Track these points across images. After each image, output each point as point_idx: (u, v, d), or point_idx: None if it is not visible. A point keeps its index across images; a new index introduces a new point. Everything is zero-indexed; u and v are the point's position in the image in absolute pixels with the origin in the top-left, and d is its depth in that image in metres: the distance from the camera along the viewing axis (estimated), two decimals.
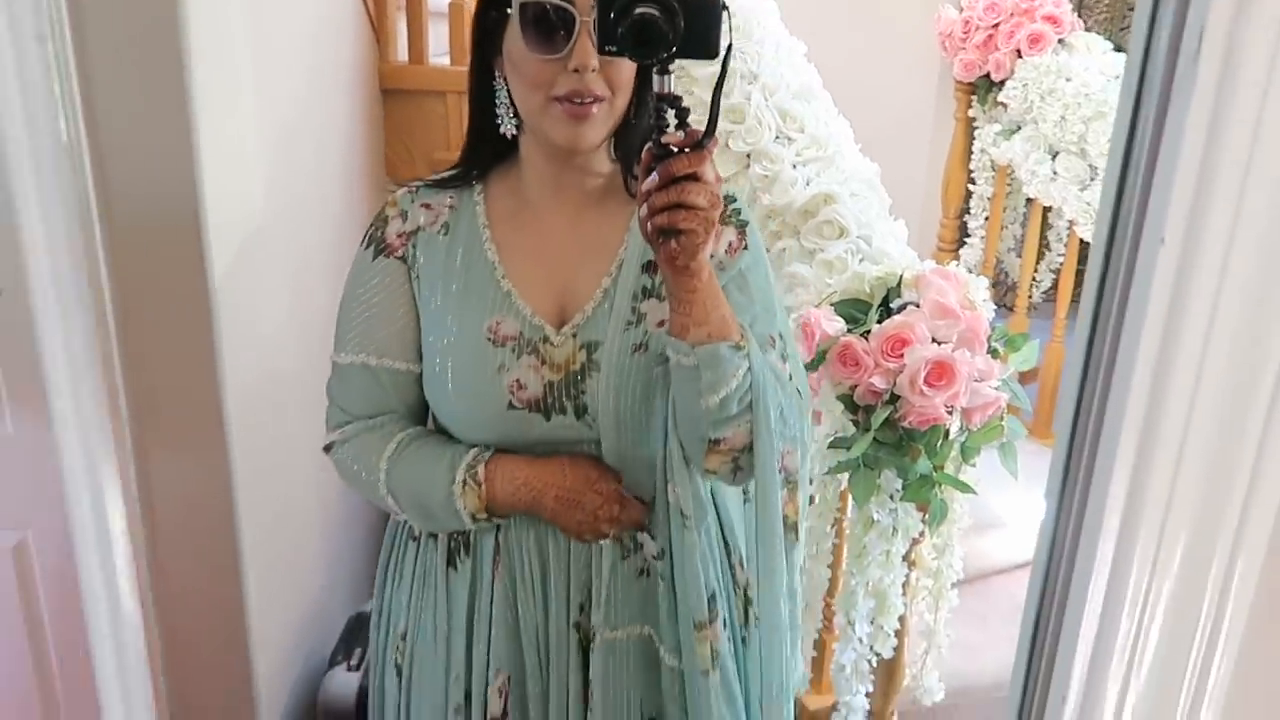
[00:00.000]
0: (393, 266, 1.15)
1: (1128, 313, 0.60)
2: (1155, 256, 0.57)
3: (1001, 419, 1.57)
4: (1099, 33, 2.68)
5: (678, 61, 0.88)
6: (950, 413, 1.49)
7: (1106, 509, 0.62)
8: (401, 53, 2.46)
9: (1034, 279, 2.85)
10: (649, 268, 1.12)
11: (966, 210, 2.93)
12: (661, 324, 1.09)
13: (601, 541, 1.14)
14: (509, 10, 1.03)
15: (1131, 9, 3.99)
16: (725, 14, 0.87)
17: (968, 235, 2.95)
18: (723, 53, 0.88)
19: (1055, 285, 2.85)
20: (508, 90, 1.08)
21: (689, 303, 0.98)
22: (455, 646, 1.19)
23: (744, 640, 1.18)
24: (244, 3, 1.61)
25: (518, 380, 1.11)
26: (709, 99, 0.91)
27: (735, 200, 1.15)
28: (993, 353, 1.57)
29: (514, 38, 1.03)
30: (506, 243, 1.14)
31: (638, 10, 0.86)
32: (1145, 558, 0.65)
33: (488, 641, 1.17)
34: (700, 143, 0.88)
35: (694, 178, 0.88)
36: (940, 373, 1.41)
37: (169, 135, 1.43)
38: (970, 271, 2.91)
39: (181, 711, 1.75)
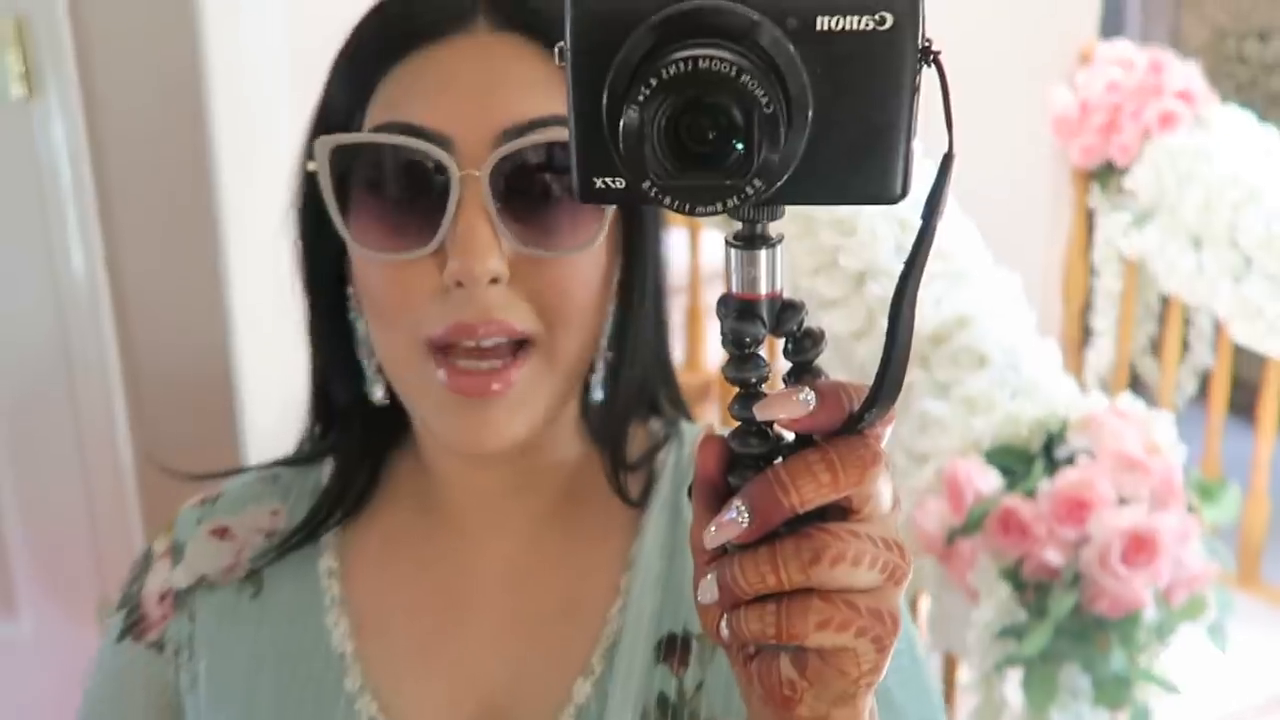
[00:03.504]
0: (140, 661, 0.60)
1: None
2: None
3: (1207, 591, 1.25)
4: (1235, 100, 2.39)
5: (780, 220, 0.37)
6: (1145, 588, 1.18)
7: None
8: None
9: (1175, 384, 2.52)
10: (670, 651, 0.56)
11: (1088, 308, 2.63)
12: None
13: None
14: (310, 163, 0.54)
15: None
16: (922, 71, 0.35)
17: (1091, 335, 2.64)
18: (922, 190, 0.36)
19: (1202, 390, 2.51)
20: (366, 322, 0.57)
21: None
22: None
23: None
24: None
25: None
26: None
27: None
28: (1187, 507, 1.26)
29: (337, 217, 0.53)
30: (373, 608, 0.58)
31: (679, 55, 0.32)
32: None
33: None
34: (861, 419, 0.36)
35: (845, 511, 0.37)
36: (1139, 546, 1.11)
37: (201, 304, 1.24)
38: (1101, 377, 2.60)
39: None
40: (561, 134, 0.49)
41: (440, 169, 0.49)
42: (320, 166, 0.51)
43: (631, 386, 0.58)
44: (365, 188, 0.51)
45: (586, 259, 0.52)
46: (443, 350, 0.51)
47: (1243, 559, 2.33)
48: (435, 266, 0.50)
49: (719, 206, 0.33)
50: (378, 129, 0.51)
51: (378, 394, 0.57)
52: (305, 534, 0.59)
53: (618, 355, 0.57)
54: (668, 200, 0.33)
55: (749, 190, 0.33)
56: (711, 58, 0.32)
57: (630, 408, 0.59)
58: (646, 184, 0.33)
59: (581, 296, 0.52)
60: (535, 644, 0.57)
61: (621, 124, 0.33)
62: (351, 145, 0.51)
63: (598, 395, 0.58)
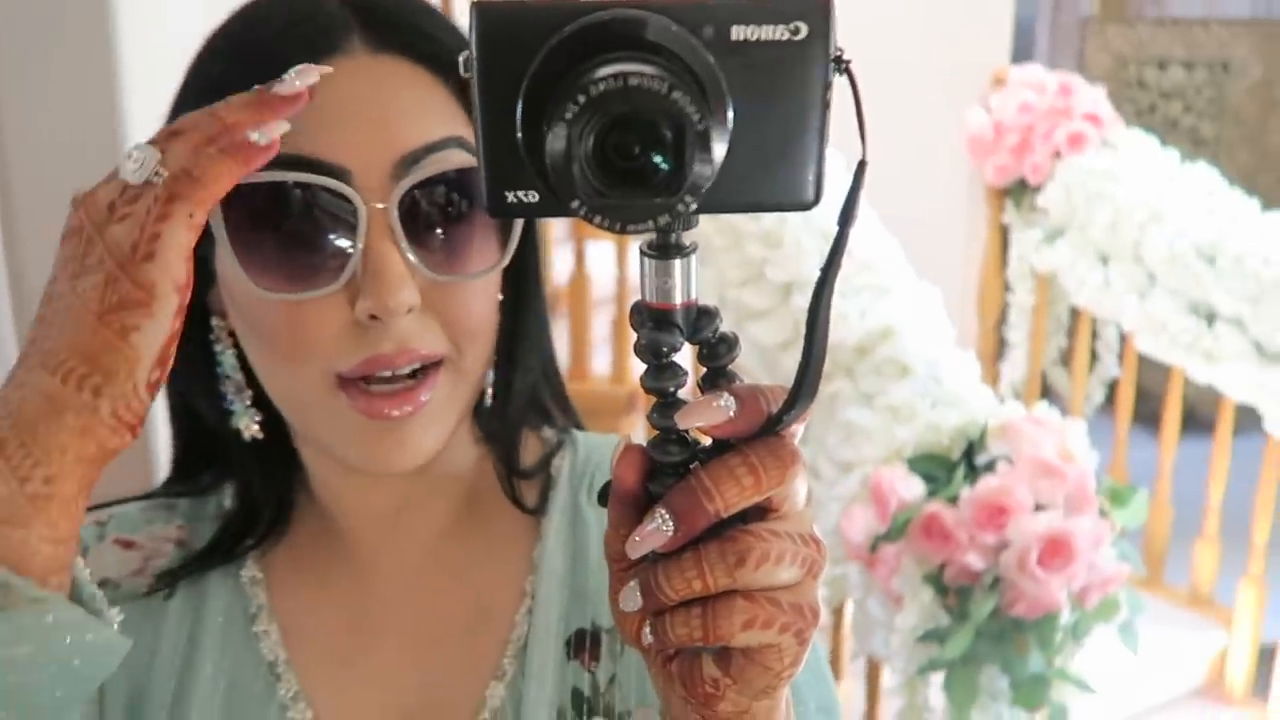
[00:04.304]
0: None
1: None
2: None
3: (1118, 592, 1.30)
4: None
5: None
6: (1061, 590, 1.22)
7: None
8: None
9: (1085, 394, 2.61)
10: (580, 647, 0.56)
11: (1003, 321, 2.71)
12: None
13: None
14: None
15: None
16: (834, 80, 0.35)
17: (1006, 348, 2.72)
18: (838, 189, 0.37)
19: (1110, 399, 2.61)
20: (235, 350, 0.55)
21: None
22: None
23: None
24: None
25: None
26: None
27: None
28: (1098, 511, 1.31)
29: (230, 256, 0.49)
30: (296, 621, 0.58)
31: (604, 72, 0.31)
32: None
33: None
34: (779, 420, 0.37)
35: (764, 510, 0.37)
36: (1056, 550, 1.15)
37: None
38: (1015, 388, 2.68)
39: None
40: (459, 158, 0.49)
41: (345, 203, 0.47)
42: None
43: (524, 394, 0.58)
44: (260, 225, 0.48)
45: (490, 275, 0.52)
46: (347, 381, 0.50)
47: (1148, 562, 2.43)
48: (344, 301, 0.48)
49: (651, 224, 0.32)
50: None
51: (251, 430, 0.56)
52: (224, 552, 0.58)
53: (510, 364, 0.57)
54: (598, 219, 0.32)
55: (680, 207, 0.32)
56: (641, 74, 0.30)
57: (522, 415, 0.59)
58: (576, 203, 0.32)
59: (487, 313, 0.53)
60: (446, 653, 0.57)
61: (548, 142, 0.31)
62: (244, 183, 0.46)
63: (489, 402, 0.58)
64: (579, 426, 0.64)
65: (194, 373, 0.56)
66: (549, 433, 0.63)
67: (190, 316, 0.52)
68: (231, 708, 0.55)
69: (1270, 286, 1.94)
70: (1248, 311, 1.96)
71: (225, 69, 0.51)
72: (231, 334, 0.54)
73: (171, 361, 0.44)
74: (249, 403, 0.55)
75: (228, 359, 0.55)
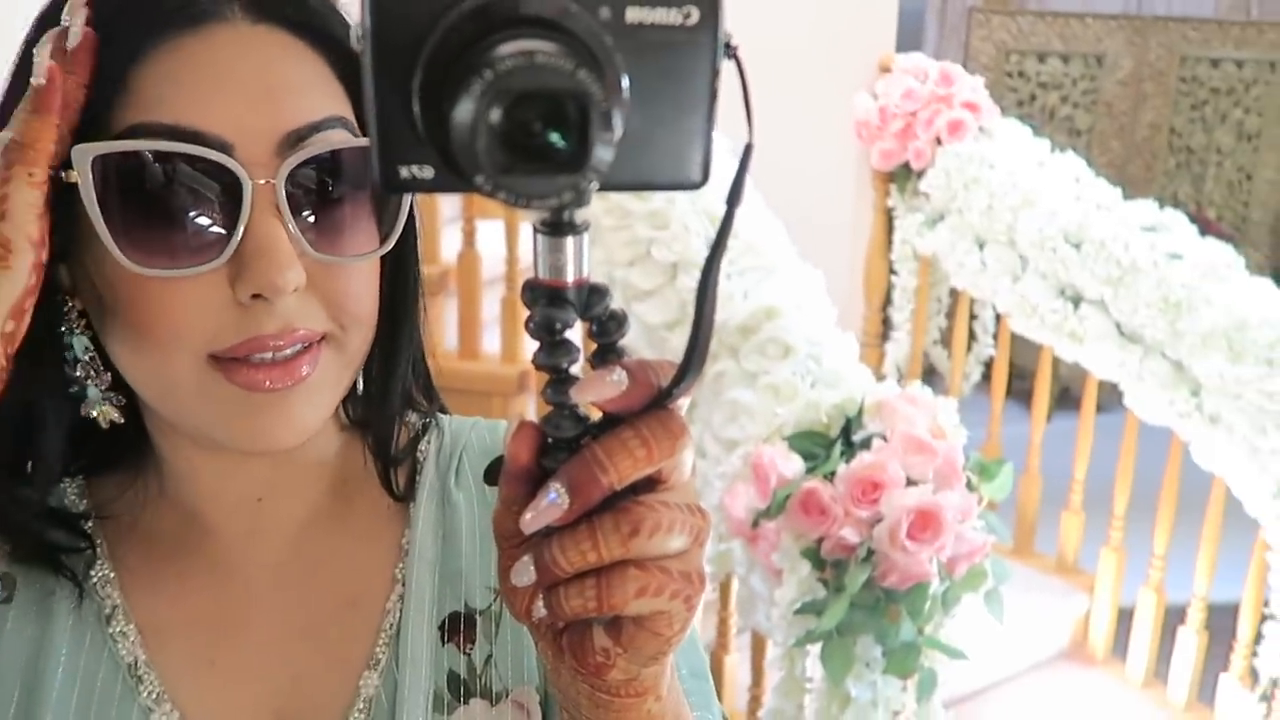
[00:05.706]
0: None
1: None
2: None
3: (985, 562, 1.36)
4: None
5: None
6: (930, 561, 1.27)
7: None
8: None
9: (964, 372, 2.72)
10: (454, 630, 0.57)
11: (888, 302, 2.79)
12: None
13: None
14: (68, 173, 0.46)
15: None
16: (722, 65, 0.35)
17: (890, 328, 2.81)
18: (725, 172, 0.36)
19: (985, 377, 2.72)
20: (89, 333, 0.52)
21: None
22: None
23: None
24: None
25: None
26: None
27: None
28: (967, 484, 1.37)
29: (101, 229, 0.47)
30: (155, 619, 0.55)
31: (509, 49, 0.31)
32: None
33: None
34: (669, 394, 0.37)
35: (653, 481, 0.38)
36: (925, 523, 1.20)
37: None
38: (899, 367, 2.77)
39: None
40: (341, 138, 0.48)
41: (229, 177, 0.46)
42: (81, 178, 0.46)
43: (401, 382, 0.58)
44: (134, 198, 0.46)
45: (372, 259, 0.51)
46: (224, 360, 0.48)
47: (1019, 532, 2.55)
48: (223, 280, 0.47)
49: (555, 201, 0.32)
50: (136, 131, 0.46)
51: (110, 416, 0.53)
52: (67, 552, 0.55)
53: (390, 352, 0.56)
54: (502, 195, 0.32)
55: (583, 184, 0.32)
56: (547, 52, 0.30)
57: (400, 403, 0.59)
58: (480, 178, 0.31)
59: (371, 295, 0.52)
60: (316, 645, 0.56)
61: (453, 117, 0.31)
62: (118, 153, 0.45)
63: (361, 389, 0.57)
64: (444, 411, 0.64)
65: (40, 358, 0.51)
66: (413, 417, 0.62)
67: (40, 302, 0.49)
68: (88, 714, 0.52)
69: (1129, 270, 2.05)
70: (1109, 294, 2.07)
71: (97, 22, 0.47)
72: (83, 314, 0.51)
73: (27, 319, 0.45)
74: (105, 387, 0.52)
75: (79, 342, 0.52)
